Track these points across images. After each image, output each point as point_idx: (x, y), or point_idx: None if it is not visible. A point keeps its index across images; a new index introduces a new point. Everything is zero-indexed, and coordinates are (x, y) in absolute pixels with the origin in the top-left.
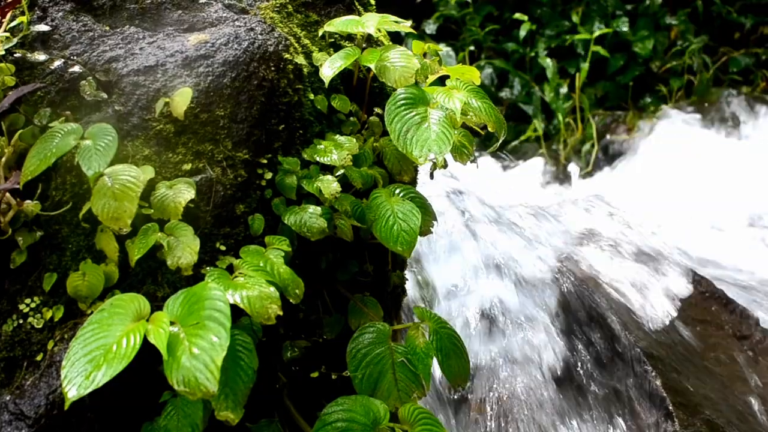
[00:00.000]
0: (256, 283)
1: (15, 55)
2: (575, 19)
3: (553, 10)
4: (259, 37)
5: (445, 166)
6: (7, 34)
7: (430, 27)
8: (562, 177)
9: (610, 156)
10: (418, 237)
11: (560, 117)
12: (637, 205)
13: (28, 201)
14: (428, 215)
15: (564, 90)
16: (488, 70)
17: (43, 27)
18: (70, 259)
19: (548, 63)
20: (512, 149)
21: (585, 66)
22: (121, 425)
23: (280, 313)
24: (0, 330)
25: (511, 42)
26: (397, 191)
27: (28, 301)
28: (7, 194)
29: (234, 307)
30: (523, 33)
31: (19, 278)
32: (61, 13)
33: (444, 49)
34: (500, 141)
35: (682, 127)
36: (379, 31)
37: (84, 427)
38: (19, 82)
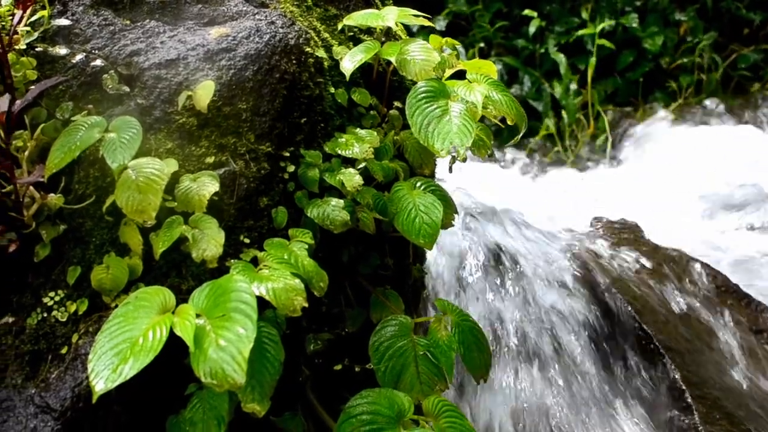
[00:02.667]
0: (281, 275)
1: (36, 49)
2: (584, 15)
3: (563, 6)
4: (280, 30)
5: (465, 159)
6: (28, 28)
7: (440, 23)
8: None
9: (620, 151)
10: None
11: (568, 113)
12: (647, 200)
13: (52, 194)
14: (449, 208)
15: (574, 86)
16: (498, 67)
17: (63, 21)
18: (93, 252)
19: (561, 58)
20: (518, 146)
21: (592, 60)
22: (146, 417)
23: (306, 305)
24: (24, 323)
25: (521, 38)
26: (419, 184)
27: (52, 294)
28: (31, 188)
29: (259, 300)
30: (532, 29)
31: (43, 271)
32: (81, 8)
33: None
34: (521, 134)
35: (692, 123)
36: (397, 25)
37: (110, 420)
38: (41, 76)
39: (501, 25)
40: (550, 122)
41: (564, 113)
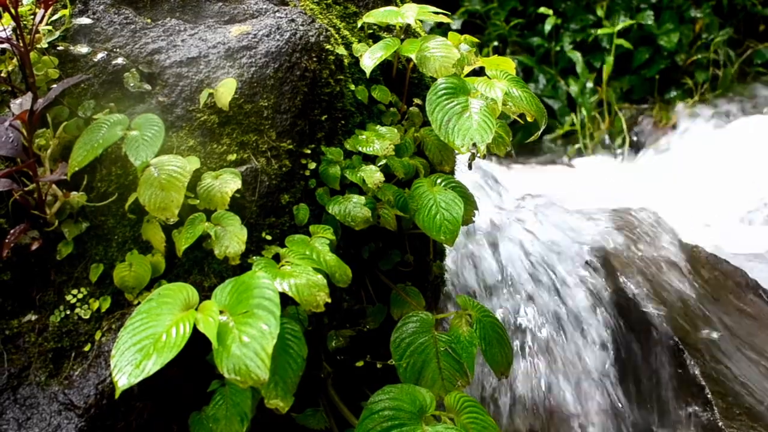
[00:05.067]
0: (304, 271)
1: (58, 48)
2: (600, 12)
3: (578, 4)
4: (301, 28)
5: (484, 156)
6: (50, 27)
7: (455, 22)
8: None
9: (637, 148)
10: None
11: (585, 111)
12: (663, 196)
13: (74, 192)
14: (470, 204)
15: (590, 84)
16: None
17: (85, 20)
18: (116, 249)
19: (577, 56)
20: (532, 144)
21: (610, 59)
22: (169, 414)
23: (329, 300)
24: (47, 321)
25: (536, 36)
26: (439, 181)
27: (75, 291)
28: (53, 186)
29: (281, 296)
30: (548, 27)
31: (66, 269)
32: (102, 6)
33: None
34: (541, 130)
35: (708, 119)
36: (416, 22)
37: (133, 416)
38: (63, 74)
39: (516, 23)
40: (568, 119)
41: (581, 111)
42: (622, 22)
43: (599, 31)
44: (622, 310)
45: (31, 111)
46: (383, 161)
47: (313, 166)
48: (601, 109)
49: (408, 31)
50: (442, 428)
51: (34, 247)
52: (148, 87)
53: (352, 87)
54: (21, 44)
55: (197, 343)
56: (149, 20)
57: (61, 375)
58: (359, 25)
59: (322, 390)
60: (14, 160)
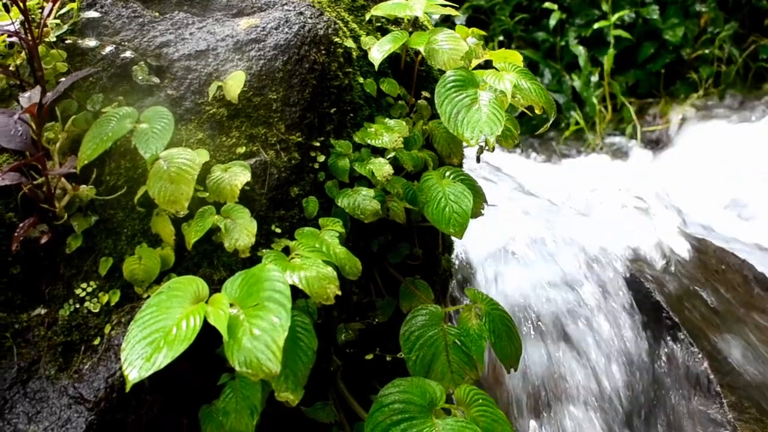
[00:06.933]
0: (314, 263)
1: (66, 41)
2: (605, 7)
3: None
4: (309, 20)
5: (493, 148)
6: (58, 21)
7: (459, 18)
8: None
9: (643, 142)
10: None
11: (591, 105)
12: (671, 192)
13: (83, 186)
14: (479, 197)
15: (595, 78)
16: None
17: (93, 13)
18: (125, 243)
19: (581, 51)
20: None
21: (611, 52)
22: (179, 408)
23: (339, 293)
24: (57, 314)
25: (541, 31)
26: (448, 173)
27: (84, 285)
28: (63, 179)
29: (291, 289)
30: (553, 22)
31: (75, 263)
32: (110, 0)
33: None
34: (550, 122)
35: (714, 113)
36: (423, 15)
37: (143, 410)
38: (71, 68)
39: (521, 18)
40: (575, 114)
41: (590, 103)
42: (628, 18)
43: (598, 24)
44: (633, 304)
45: (39, 104)
46: (392, 154)
47: (322, 158)
48: (606, 103)
49: (416, 24)
50: (452, 421)
51: (44, 240)
52: (156, 80)
53: (361, 80)
54: (29, 38)
55: (207, 336)
56: (157, 13)
57: (70, 369)
58: (367, 18)
59: (332, 383)
60: (23, 154)
